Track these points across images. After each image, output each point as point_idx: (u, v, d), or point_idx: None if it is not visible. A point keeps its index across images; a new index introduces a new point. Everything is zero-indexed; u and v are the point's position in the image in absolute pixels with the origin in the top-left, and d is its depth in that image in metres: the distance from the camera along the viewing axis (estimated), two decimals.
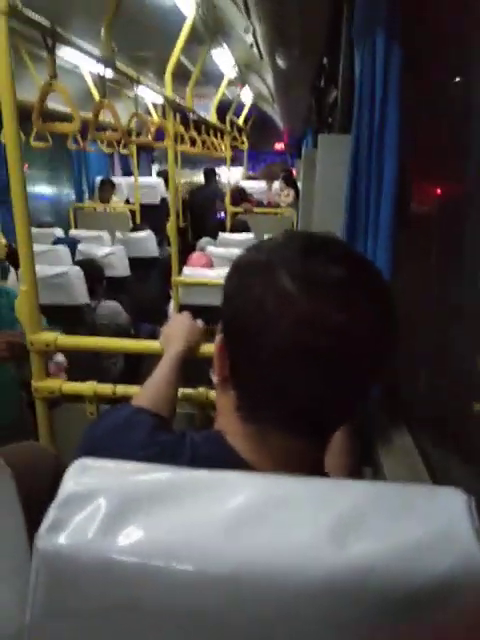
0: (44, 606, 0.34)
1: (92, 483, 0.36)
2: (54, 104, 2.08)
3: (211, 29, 2.31)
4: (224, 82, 3.75)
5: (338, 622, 0.32)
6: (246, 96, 4.90)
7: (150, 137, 2.25)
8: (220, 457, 0.50)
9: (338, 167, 1.17)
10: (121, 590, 0.33)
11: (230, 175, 4.72)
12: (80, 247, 3.33)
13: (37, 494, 0.46)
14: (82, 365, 2.19)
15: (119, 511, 0.34)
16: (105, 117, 2.99)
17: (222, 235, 3.80)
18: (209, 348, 1.32)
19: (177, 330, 0.94)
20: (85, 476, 0.37)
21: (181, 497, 0.35)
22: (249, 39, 1.92)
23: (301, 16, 1.39)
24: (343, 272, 0.44)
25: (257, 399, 0.48)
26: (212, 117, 3.75)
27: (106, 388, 1.24)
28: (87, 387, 1.24)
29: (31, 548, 0.43)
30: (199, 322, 1.00)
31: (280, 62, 1.93)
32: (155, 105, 4.21)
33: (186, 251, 3.45)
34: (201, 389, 1.24)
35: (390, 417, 1.01)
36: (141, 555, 0.32)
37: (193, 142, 3.48)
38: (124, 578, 0.33)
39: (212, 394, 1.22)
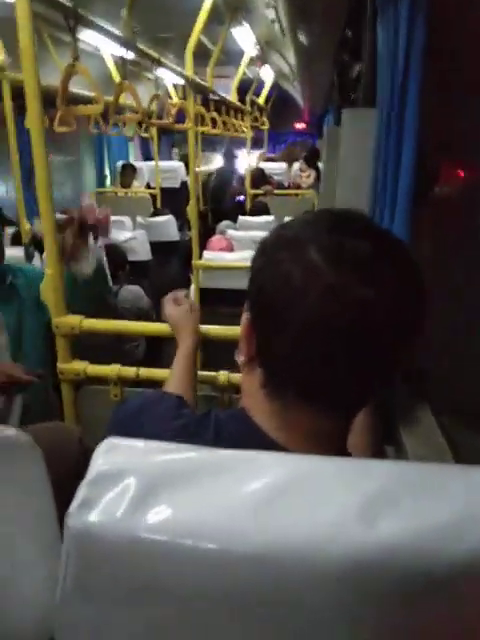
0: (74, 583, 0.35)
1: (121, 462, 0.37)
2: (74, 88, 2.08)
3: (232, 6, 2.26)
4: (244, 61, 3.68)
5: (364, 600, 0.32)
6: (267, 75, 4.81)
7: (171, 119, 2.23)
8: (245, 435, 0.50)
9: (363, 142, 1.14)
10: (149, 568, 0.33)
11: (249, 157, 4.67)
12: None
13: (62, 473, 0.47)
14: (105, 349, 2.23)
15: (148, 490, 0.35)
16: (126, 100, 2.98)
17: (242, 218, 3.77)
18: (233, 331, 1.32)
19: (184, 320, 0.99)
20: (114, 455, 0.37)
21: (209, 477, 0.36)
22: (271, 15, 1.88)
23: None
24: (369, 246, 0.45)
25: (283, 375, 0.49)
26: (232, 97, 3.69)
27: (130, 371, 1.26)
28: (111, 370, 1.26)
29: (59, 527, 0.45)
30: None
31: (302, 37, 1.88)
32: (175, 86, 4.17)
33: (206, 235, 3.44)
34: (223, 372, 1.24)
35: (412, 396, 1.00)
36: (170, 534, 0.33)
37: (214, 123, 3.44)
38: (153, 556, 0.33)
39: (234, 377, 1.22)
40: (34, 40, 1.09)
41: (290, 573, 0.32)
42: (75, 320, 1.26)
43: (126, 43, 1.48)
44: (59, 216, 1.28)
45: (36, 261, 2.70)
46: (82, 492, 0.35)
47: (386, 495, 0.33)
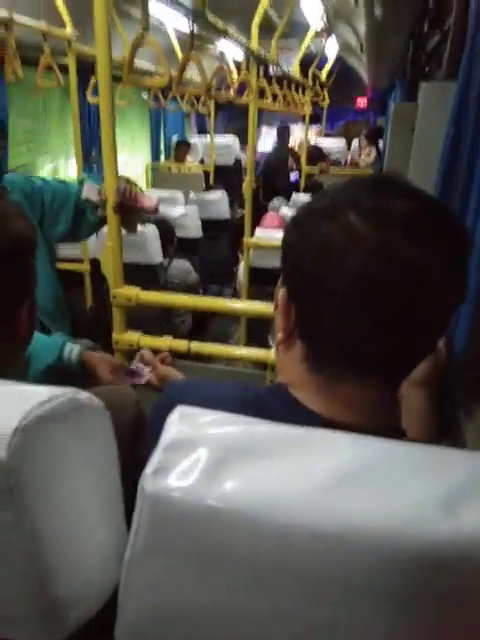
0: (145, 544, 0.36)
1: (195, 431, 0.37)
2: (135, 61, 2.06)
3: None
4: (310, 33, 3.56)
5: (439, 591, 0.31)
6: (331, 48, 4.64)
7: (232, 93, 2.19)
8: (285, 409, 0.49)
9: (443, 119, 1.08)
10: (219, 536, 0.34)
11: (304, 134, 4.55)
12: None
13: (120, 435, 0.48)
14: (153, 322, 2.26)
15: (222, 459, 0.35)
16: (186, 74, 2.96)
17: (296, 196, 3.71)
18: (268, 308, 1.31)
19: None
20: (187, 424, 0.38)
21: (282, 451, 0.35)
22: None
23: None
24: (413, 205, 0.43)
25: (326, 345, 0.47)
26: (295, 71, 3.59)
27: (181, 344, 1.28)
28: (163, 341, 1.29)
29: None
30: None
31: (377, 7, 1.78)
32: (235, 62, 4.10)
33: (257, 213, 3.40)
34: (272, 351, 1.24)
35: (473, 387, 0.96)
36: (242, 504, 0.33)
37: (274, 98, 3.36)
38: (223, 525, 0.33)
39: None
40: (108, 12, 1.09)
41: (363, 556, 0.31)
42: (132, 292, 1.28)
43: (196, 15, 1.46)
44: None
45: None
46: (157, 458, 0.35)
47: (469, 485, 0.32)
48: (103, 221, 1.28)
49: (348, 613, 0.33)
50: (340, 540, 0.32)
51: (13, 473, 0.36)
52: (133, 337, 1.31)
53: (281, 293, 0.50)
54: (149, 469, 0.35)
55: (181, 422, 0.38)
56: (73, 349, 1.07)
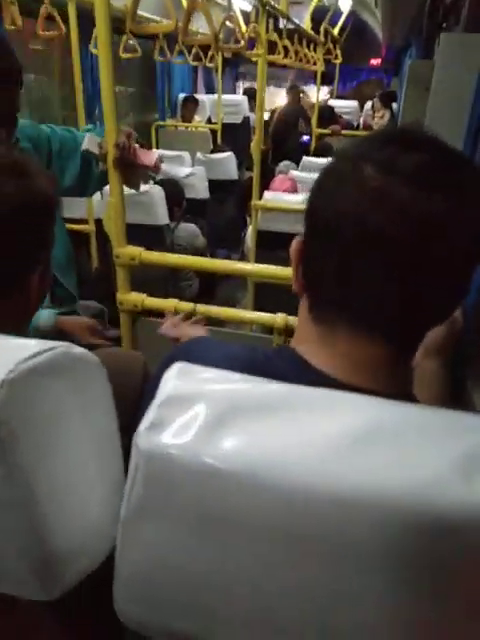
0: (139, 503, 0.34)
1: (194, 387, 0.35)
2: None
3: None
4: None
5: (455, 559, 0.29)
6: (345, 2, 4.41)
7: (242, 43, 2.09)
8: (293, 370, 0.47)
9: (462, 75, 1.01)
10: (219, 497, 0.32)
11: (316, 94, 4.37)
12: (162, 167, 3.30)
13: (127, 397, 0.47)
14: (159, 285, 2.24)
15: (222, 417, 0.33)
16: (193, 26, 2.82)
17: (306, 159, 3.60)
18: (290, 272, 1.27)
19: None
20: (186, 379, 0.36)
21: (288, 411, 0.33)
22: None
23: None
24: (423, 157, 0.41)
25: (328, 296, 0.46)
26: (306, 25, 3.42)
27: (187, 305, 1.25)
28: (168, 303, 1.26)
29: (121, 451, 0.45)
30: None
31: None
32: (243, 12, 3.90)
33: (265, 175, 3.31)
34: (281, 315, 1.21)
35: None
36: (242, 464, 0.31)
37: (285, 52, 3.22)
38: (223, 485, 0.32)
39: (292, 320, 1.19)
40: None
41: (376, 521, 0.30)
42: (135, 251, 1.25)
43: None
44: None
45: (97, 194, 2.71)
46: (152, 413, 0.33)
47: None
48: (106, 176, 1.24)
49: (357, 580, 0.32)
50: (351, 504, 0.30)
51: (2, 426, 0.34)
52: (138, 298, 1.28)
53: (296, 242, 0.49)
54: (143, 425, 0.33)
55: (179, 378, 0.36)
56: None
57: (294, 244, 0.49)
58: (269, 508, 0.31)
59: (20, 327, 0.62)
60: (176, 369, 0.37)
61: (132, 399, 0.62)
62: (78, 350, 0.41)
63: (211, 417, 0.33)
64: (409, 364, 0.48)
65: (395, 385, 0.46)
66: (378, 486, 0.29)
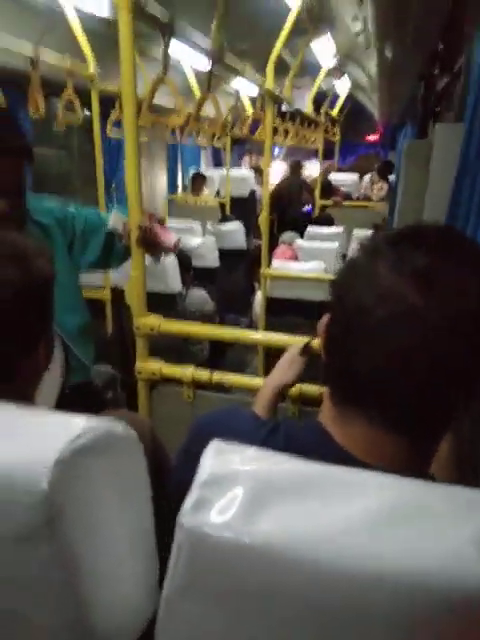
0: (182, 581, 0.36)
1: (232, 467, 0.37)
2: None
3: (316, 18, 2.27)
4: (322, 73, 3.68)
5: (472, 633, 0.30)
6: (342, 87, 4.78)
7: (245, 130, 2.26)
8: (315, 444, 0.50)
9: (455, 157, 1.10)
10: (260, 574, 0.34)
11: (318, 168, 4.63)
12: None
13: None
14: (173, 350, 2.28)
15: (260, 497, 0.35)
16: (203, 111, 3.06)
17: (311, 229, 3.75)
18: (299, 340, 1.32)
19: (286, 362, 1.00)
20: (223, 459, 0.38)
21: (320, 491, 0.36)
22: (356, 27, 1.86)
23: (421, 3, 1.31)
24: (428, 259, 0.44)
25: (342, 380, 0.49)
26: (308, 108, 3.70)
27: (203, 374, 1.28)
28: (185, 371, 1.29)
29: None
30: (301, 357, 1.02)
31: (388, 50, 1.85)
32: (251, 98, 4.23)
33: (271, 244, 3.45)
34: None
35: None
36: (282, 543, 0.33)
37: (286, 134, 3.45)
38: (264, 563, 0.33)
39: (306, 388, 1.21)
40: (134, 53, 1.14)
41: (400, 597, 0.31)
42: (155, 322, 1.30)
43: (214, 55, 1.53)
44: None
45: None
46: (196, 492, 0.36)
47: None
48: (128, 251, 1.31)
49: None
50: (375, 581, 0.31)
51: (53, 504, 0.36)
52: (156, 366, 1.32)
53: (324, 319, 0.52)
54: (188, 504, 0.35)
55: (217, 457, 0.38)
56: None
57: (323, 319, 0.52)
58: (302, 585, 0.33)
59: (34, 387, 0.66)
60: (213, 448, 0.39)
61: None
62: (120, 428, 0.43)
63: (250, 497, 0.35)
64: (431, 450, 0.49)
65: (413, 466, 0.47)
66: (400, 565, 0.31)
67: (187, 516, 0.35)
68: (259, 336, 1.41)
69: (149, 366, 1.32)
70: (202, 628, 0.36)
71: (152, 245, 1.27)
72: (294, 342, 1.33)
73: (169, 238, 1.26)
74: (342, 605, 0.33)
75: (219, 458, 0.38)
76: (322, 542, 0.33)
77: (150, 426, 0.72)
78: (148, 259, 1.35)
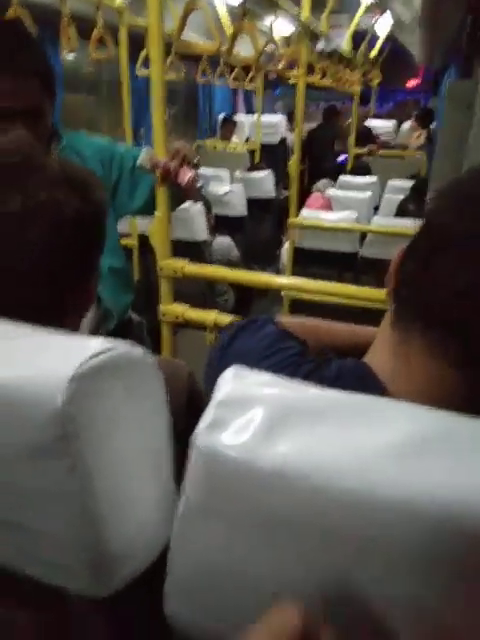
0: (196, 502, 0.35)
1: (250, 389, 0.36)
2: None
3: None
4: (361, 9, 3.42)
5: None
6: (382, 26, 4.45)
7: (281, 66, 2.13)
8: (357, 386, 0.47)
9: None
10: (276, 498, 0.32)
11: (354, 115, 4.39)
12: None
13: (173, 405, 0.48)
14: (196, 300, 2.28)
15: (279, 420, 0.33)
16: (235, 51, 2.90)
17: (343, 178, 3.61)
18: (326, 286, 1.28)
19: None
20: (242, 382, 0.37)
21: (342, 416, 0.34)
22: None
23: None
24: None
25: (412, 302, 0.45)
26: (346, 47, 3.47)
27: (226, 318, 1.27)
28: (208, 315, 1.28)
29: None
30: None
31: None
32: (285, 38, 3.99)
33: (301, 195, 3.34)
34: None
35: None
36: (300, 466, 0.32)
37: (323, 74, 3.26)
38: (279, 486, 0.32)
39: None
40: None
41: (427, 526, 0.30)
42: (179, 264, 1.28)
43: None
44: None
45: None
46: (211, 413, 0.34)
47: None
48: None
49: (405, 583, 0.31)
50: (401, 509, 0.30)
51: (69, 420, 0.36)
52: (180, 309, 1.31)
53: (400, 249, 0.48)
54: (203, 424, 0.34)
55: (235, 380, 0.37)
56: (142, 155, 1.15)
57: (399, 250, 0.48)
58: (321, 511, 0.32)
59: (80, 320, 0.65)
60: (231, 372, 0.38)
61: (178, 405, 0.63)
62: (138, 351, 0.42)
63: (268, 420, 0.34)
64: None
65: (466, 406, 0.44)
66: (430, 493, 0.29)
67: (201, 436, 0.33)
68: (285, 281, 1.38)
69: (173, 309, 1.31)
70: (215, 550, 0.35)
71: (174, 183, 1.22)
72: (320, 288, 1.30)
73: (183, 176, 1.19)
74: (364, 535, 0.31)
75: (238, 381, 0.37)
76: (346, 468, 0.31)
77: (188, 370, 0.71)
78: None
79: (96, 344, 0.40)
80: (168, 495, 0.46)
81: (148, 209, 1.30)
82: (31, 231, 0.51)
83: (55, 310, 0.57)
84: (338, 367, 0.49)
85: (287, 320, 0.68)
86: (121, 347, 0.40)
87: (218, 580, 0.36)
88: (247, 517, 0.33)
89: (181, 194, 1.27)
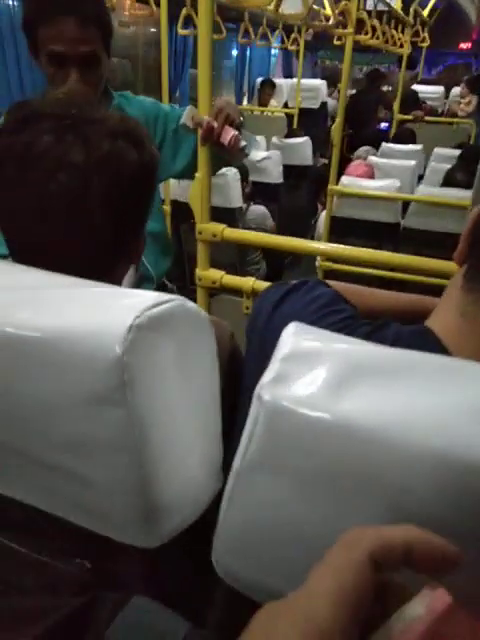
0: (258, 455, 0.34)
1: (315, 345, 0.34)
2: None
3: None
4: None
5: None
6: None
7: (331, 21, 2.03)
8: (414, 337, 0.46)
9: None
10: (339, 453, 0.31)
11: (401, 78, 4.17)
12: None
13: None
14: (228, 268, 2.26)
15: (346, 375, 0.32)
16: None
17: (385, 145, 3.47)
18: (363, 253, 1.24)
19: None
20: (305, 337, 0.35)
21: (416, 375, 0.32)
22: None
23: None
24: None
25: None
26: (396, 5, 3.27)
27: (263, 284, 1.25)
28: (245, 282, 1.26)
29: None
30: None
31: None
32: None
33: (341, 163, 3.23)
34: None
35: None
36: (372, 423, 0.30)
37: (373, 32, 3.10)
38: (345, 441, 0.31)
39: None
40: None
41: None
42: (217, 228, 1.26)
43: None
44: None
45: None
46: (276, 366, 0.33)
47: None
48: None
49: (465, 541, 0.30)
50: (472, 470, 0.28)
51: (127, 369, 0.35)
52: (216, 274, 1.30)
53: (476, 211, 0.47)
54: (267, 377, 0.33)
55: (299, 334, 0.35)
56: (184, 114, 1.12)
57: (475, 212, 0.47)
58: (388, 468, 0.30)
59: (122, 278, 0.65)
60: (294, 327, 0.36)
61: (221, 364, 0.62)
62: (191, 305, 0.41)
63: (334, 375, 0.32)
64: None
65: None
66: None
67: (266, 388, 0.32)
68: (323, 246, 1.34)
69: (210, 274, 1.30)
70: (272, 504, 0.35)
71: (215, 143, 1.18)
72: (359, 256, 1.26)
73: (226, 136, 1.15)
74: (433, 494, 0.30)
75: (301, 336, 0.35)
76: (418, 426, 0.30)
77: (230, 331, 0.71)
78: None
79: (154, 296, 0.39)
80: (216, 450, 0.46)
81: (190, 172, 1.25)
82: (94, 182, 0.50)
83: (108, 263, 0.56)
84: (397, 330, 0.47)
85: (333, 283, 0.66)
86: (177, 300, 0.39)
87: (272, 534, 0.36)
88: (310, 472, 0.32)
89: (224, 157, 1.23)
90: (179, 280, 2.76)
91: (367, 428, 0.30)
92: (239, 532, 0.37)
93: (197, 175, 1.22)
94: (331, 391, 0.32)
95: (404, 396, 0.31)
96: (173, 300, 0.39)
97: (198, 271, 1.31)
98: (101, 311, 0.39)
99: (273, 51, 5.69)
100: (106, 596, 0.42)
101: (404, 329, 0.48)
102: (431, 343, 0.45)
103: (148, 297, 0.39)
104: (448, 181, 2.39)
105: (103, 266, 0.55)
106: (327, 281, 0.66)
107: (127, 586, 0.55)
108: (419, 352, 0.34)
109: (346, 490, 0.32)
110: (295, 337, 0.35)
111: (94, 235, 0.53)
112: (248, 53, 5.00)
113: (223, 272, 1.31)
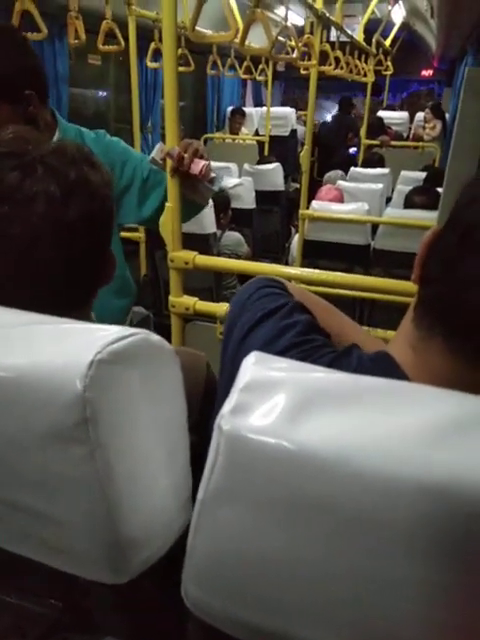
0: (220, 486, 0.34)
1: (273, 374, 0.35)
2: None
3: None
4: None
5: None
6: (397, 14, 4.39)
7: (296, 54, 2.11)
8: (380, 370, 0.46)
9: None
10: (299, 481, 0.32)
11: (365, 105, 4.33)
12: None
13: (191, 394, 0.47)
14: (203, 294, 2.28)
15: (304, 403, 0.33)
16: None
17: (354, 169, 3.57)
18: (337, 277, 1.27)
19: None
20: (265, 367, 0.36)
21: (374, 401, 0.33)
22: None
23: None
24: None
25: (436, 301, 0.44)
26: (359, 37, 3.42)
27: None
28: (219, 307, 1.28)
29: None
30: None
31: None
32: (296, 27, 3.94)
33: (311, 187, 3.31)
34: None
35: None
36: (327, 450, 0.31)
37: (337, 63, 3.22)
38: (305, 470, 0.31)
39: None
40: None
41: (453, 511, 0.29)
42: (189, 255, 1.27)
43: None
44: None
45: None
46: (235, 397, 0.34)
47: None
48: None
49: (434, 569, 0.31)
50: (430, 493, 0.29)
51: (88, 405, 0.35)
52: (189, 301, 1.31)
53: (430, 233, 0.46)
54: (227, 408, 0.33)
55: (258, 364, 0.36)
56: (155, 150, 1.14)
57: (428, 234, 0.46)
58: (347, 496, 0.31)
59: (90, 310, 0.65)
60: (253, 357, 0.37)
61: (196, 395, 0.62)
62: (155, 338, 0.42)
63: (293, 403, 0.33)
64: None
65: None
66: (456, 477, 0.29)
67: (226, 418, 0.33)
68: (293, 271, 1.36)
69: (183, 301, 1.31)
70: (237, 534, 0.35)
71: (186, 176, 1.20)
72: (330, 279, 1.29)
73: (196, 166, 1.15)
74: (391, 518, 0.30)
75: (261, 365, 0.36)
76: (374, 451, 0.30)
77: (206, 360, 0.71)
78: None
79: (116, 331, 0.39)
80: (184, 483, 0.46)
81: (155, 220, 1.25)
82: (71, 209, 0.52)
83: (89, 286, 0.59)
84: (359, 356, 0.48)
85: (309, 297, 0.65)
86: (140, 334, 0.40)
87: (238, 564, 0.36)
88: (271, 501, 0.33)
89: (195, 200, 1.25)
90: (155, 306, 2.76)
91: (323, 455, 0.31)
92: (206, 563, 0.37)
93: (167, 204, 1.23)
94: (289, 419, 0.32)
95: (360, 422, 0.32)
96: (136, 334, 0.40)
97: (171, 298, 1.32)
98: (64, 347, 0.39)
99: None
100: (74, 639, 0.41)
101: (365, 356, 0.49)
102: (391, 369, 0.46)
103: (111, 332, 0.39)
104: (408, 203, 2.47)
105: (86, 289, 0.57)
106: (302, 287, 0.66)
107: (100, 623, 0.54)
108: (375, 378, 0.35)
109: (306, 518, 0.32)
110: (255, 366, 0.36)
111: (79, 255, 0.55)
112: (218, 84, 5.12)
113: (196, 299, 1.32)
